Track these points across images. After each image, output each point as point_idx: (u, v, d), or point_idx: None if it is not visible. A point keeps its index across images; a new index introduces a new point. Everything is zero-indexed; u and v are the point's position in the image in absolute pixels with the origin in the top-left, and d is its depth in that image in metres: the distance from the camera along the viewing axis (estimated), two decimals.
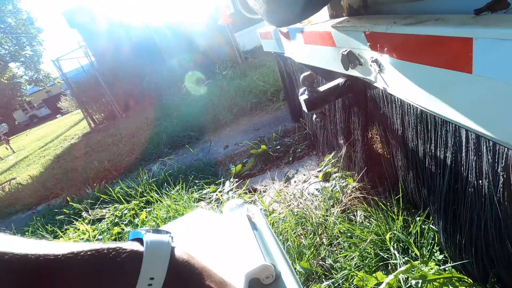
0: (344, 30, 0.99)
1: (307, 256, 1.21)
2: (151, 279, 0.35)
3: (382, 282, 0.92)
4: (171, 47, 8.34)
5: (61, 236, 2.10)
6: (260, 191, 1.95)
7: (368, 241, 1.09)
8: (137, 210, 2.09)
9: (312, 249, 1.24)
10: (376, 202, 1.25)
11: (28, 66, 26.87)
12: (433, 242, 0.97)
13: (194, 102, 4.36)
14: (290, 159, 2.24)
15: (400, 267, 0.96)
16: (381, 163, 1.28)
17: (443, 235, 0.85)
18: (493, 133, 0.55)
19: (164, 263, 0.37)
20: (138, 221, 1.92)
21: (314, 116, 1.37)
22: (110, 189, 2.50)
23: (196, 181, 2.26)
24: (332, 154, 1.77)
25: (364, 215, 1.31)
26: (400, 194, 1.11)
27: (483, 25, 0.51)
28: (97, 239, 1.89)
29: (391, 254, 1.04)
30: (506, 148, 0.57)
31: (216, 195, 1.95)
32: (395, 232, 1.06)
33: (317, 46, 1.29)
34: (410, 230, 1.07)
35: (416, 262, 0.90)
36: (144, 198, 2.19)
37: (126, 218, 2.05)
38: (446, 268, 0.84)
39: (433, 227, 0.96)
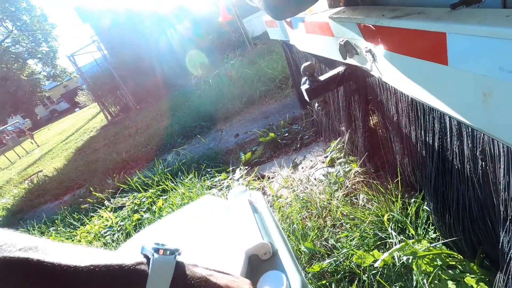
0: (340, 21, 1.02)
1: (311, 237, 1.29)
2: None
3: (378, 259, 0.99)
4: (180, 37, 8.38)
5: (87, 223, 2.28)
6: (269, 178, 2.03)
7: (367, 222, 1.16)
8: (154, 198, 2.23)
9: (316, 231, 1.32)
10: (377, 186, 1.30)
11: (45, 62, 27.68)
12: (427, 222, 1.02)
13: (204, 92, 4.44)
14: (298, 146, 2.30)
15: (396, 246, 1.03)
16: (382, 148, 1.32)
17: (435, 215, 0.91)
18: (469, 120, 0.60)
19: (167, 283, 0.43)
20: (155, 208, 2.06)
21: (316, 104, 1.42)
22: (129, 179, 2.65)
23: (208, 170, 2.37)
24: (338, 140, 1.82)
25: (366, 198, 1.37)
26: (399, 177, 1.16)
27: (455, 20, 0.54)
28: (119, 225, 2.05)
29: (389, 234, 1.11)
30: (482, 134, 0.61)
31: (227, 182, 2.05)
32: (393, 213, 1.11)
33: (318, 35, 1.32)
34: (408, 212, 1.12)
35: (411, 241, 0.97)
36: (160, 187, 2.33)
37: (144, 206, 2.20)
38: (438, 246, 0.89)
39: (427, 208, 1.01)
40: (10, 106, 24.43)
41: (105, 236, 2.01)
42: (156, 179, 2.45)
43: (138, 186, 2.44)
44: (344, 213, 1.33)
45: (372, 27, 0.82)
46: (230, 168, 2.25)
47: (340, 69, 1.29)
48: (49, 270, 0.36)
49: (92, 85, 9.53)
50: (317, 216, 1.41)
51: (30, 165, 7.79)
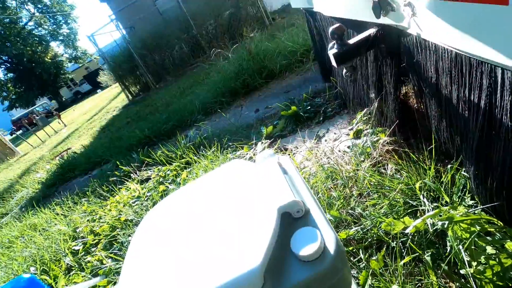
0: None
1: (337, 206, 1.28)
2: None
3: (409, 226, 0.97)
4: (198, 13, 8.22)
5: (116, 194, 2.39)
6: (291, 150, 2.01)
7: (397, 190, 1.12)
8: (178, 171, 2.29)
9: (342, 200, 1.30)
10: (408, 155, 1.25)
11: (67, 44, 28.29)
12: (464, 189, 0.98)
13: (224, 68, 4.38)
14: (321, 119, 2.24)
15: (429, 213, 0.99)
16: (414, 115, 1.25)
17: (474, 181, 0.86)
18: None
19: None
20: (180, 180, 2.12)
21: (344, 71, 1.35)
22: (153, 153, 2.73)
23: (230, 144, 2.38)
24: (364, 111, 1.75)
25: (395, 168, 1.32)
26: (433, 144, 1.10)
27: None
28: (146, 196, 2.13)
29: (420, 203, 1.07)
30: None
31: (249, 155, 2.05)
32: (425, 181, 1.07)
33: None
34: (441, 180, 1.08)
35: (445, 208, 0.93)
36: (183, 160, 2.38)
37: (169, 178, 2.26)
38: (476, 212, 0.86)
39: (465, 174, 0.96)
40: (37, 88, 25.50)
41: (134, 206, 2.10)
42: (179, 153, 2.50)
43: (163, 159, 2.51)
44: (372, 183, 1.30)
45: None
46: (252, 142, 2.25)
47: (372, 31, 1.21)
48: None
49: (113, 65, 9.68)
50: (342, 186, 1.39)
51: (59, 143, 8.21)
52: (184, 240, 0.71)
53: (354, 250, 1.11)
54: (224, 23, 7.75)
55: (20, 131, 20.27)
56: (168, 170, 2.37)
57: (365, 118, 1.75)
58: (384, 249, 1.04)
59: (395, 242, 1.03)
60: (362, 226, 1.13)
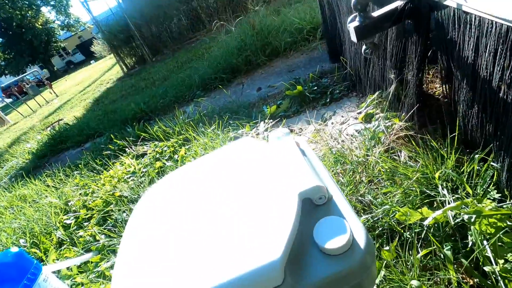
0: None
1: (345, 192, 1.22)
2: None
3: (426, 218, 0.91)
4: None
5: (110, 169, 2.30)
6: (296, 132, 1.92)
7: (414, 179, 1.06)
8: (176, 147, 2.20)
9: (351, 186, 1.24)
10: (425, 141, 1.18)
11: (59, 10, 26.97)
12: (489, 181, 0.91)
13: (225, 43, 4.18)
14: (328, 100, 2.14)
15: (447, 205, 0.93)
16: (435, 99, 1.17)
17: (507, 172, 0.79)
18: None
19: None
20: (178, 157, 2.03)
21: (364, 47, 1.24)
22: (149, 128, 2.61)
23: (231, 122, 2.28)
24: (376, 94, 1.65)
25: (409, 156, 1.25)
26: (457, 131, 1.02)
27: None
28: (142, 172, 2.04)
29: (438, 192, 1.01)
30: None
31: (251, 135, 1.96)
32: (445, 170, 1.00)
33: None
34: (462, 170, 1.01)
35: (468, 200, 0.87)
36: (181, 136, 2.28)
37: (166, 154, 2.17)
38: (506, 206, 0.79)
39: (494, 164, 0.89)
40: (27, 56, 24.52)
41: (129, 181, 2.02)
42: (177, 129, 2.39)
43: (160, 135, 2.40)
44: (383, 170, 1.23)
45: None
46: (255, 121, 2.15)
47: (399, 3, 1.09)
48: None
49: (107, 35, 9.26)
50: (352, 171, 1.32)
51: (51, 113, 7.97)
52: (191, 223, 0.63)
53: None
54: None
55: (10, 100, 19.69)
56: (166, 146, 2.27)
57: (377, 101, 1.66)
58: (397, 239, 0.98)
59: (408, 233, 0.98)
60: (373, 214, 1.08)
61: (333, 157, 1.40)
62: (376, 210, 1.08)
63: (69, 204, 2.07)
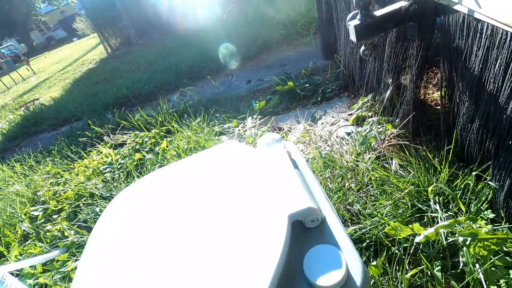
0: None
1: (334, 199, 1.17)
2: None
3: (417, 234, 0.87)
4: None
5: (85, 158, 2.16)
6: (285, 130, 1.85)
7: (406, 191, 1.01)
8: (157, 139, 2.08)
9: (340, 194, 1.19)
10: (418, 152, 1.14)
11: None
12: (483, 199, 0.88)
13: (216, 30, 4.01)
14: (319, 99, 2.08)
15: (440, 221, 0.89)
16: (432, 109, 1.12)
17: (506, 192, 0.75)
18: None
19: None
20: (159, 149, 1.91)
21: (363, 48, 1.17)
22: (130, 116, 2.47)
23: (217, 115, 2.18)
24: (370, 96, 1.60)
25: (400, 164, 1.21)
26: (452, 144, 0.98)
27: None
28: (120, 163, 1.92)
29: (429, 206, 0.97)
30: None
31: (239, 130, 1.87)
32: (438, 184, 0.96)
33: None
34: (455, 184, 0.97)
35: (461, 218, 0.83)
36: (164, 128, 2.16)
37: (147, 146, 2.05)
38: (503, 230, 0.76)
39: (490, 183, 0.85)
40: (3, 28, 22.98)
41: (105, 172, 1.89)
42: (160, 119, 2.26)
43: (141, 124, 2.27)
44: (374, 178, 1.19)
45: None
46: (242, 116, 2.06)
47: (404, 3, 1.03)
48: None
49: (91, 11, 8.75)
50: (340, 177, 1.26)
51: (26, 92, 7.51)
52: (161, 241, 0.54)
53: None
54: None
55: None
56: (147, 136, 2.14)
57: (369, 104, 1.61)
58: (384, 254, 0.94)
59: (396, 248, 0.94)
60: (361, 225, 1.03)
61: (322, 161, 1.34)
62: (365, 221, 1.04)
63: (38, 194, 1.92)
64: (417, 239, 0.84)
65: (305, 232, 0.53)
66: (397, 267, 0.91)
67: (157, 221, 0.59)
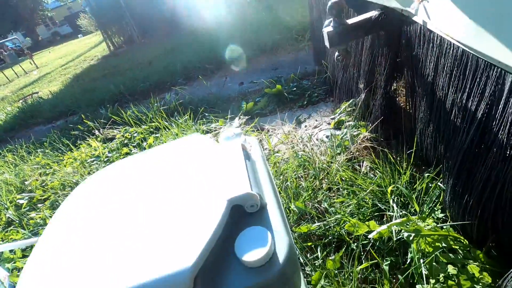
0: None
1: (303, 197, 1.21)
2: None
3: (373, 231, 0.91)
4: None
5: (74, 150, 2.20)
6: (268, 131, 1.90)
7: (368, 191, 1.06)
8: (146, 135, 2.13)
9: (310, 192, 1.23)
10: (386, 154, 1.18)
11: None
12: (436, 200, 0.92)
13: (213, 33, 4.09)
14: (305, 103, 2.13)
15: (395, 220, 0.94)
16: (400, 114, 1.17)
17: (449, 194, 0.80)
18: None
19: None
20: (146, 145, 1.96)
21: (336, 53, 1.23)
22: (123, 111, 2.52)
23: (206, 114, 2.23)
24: (350, 101, 1.65)
25: (369, 167, 1.26)
26: (414, 148, 1.03)
27: None
28: (107, 157, 1.97)
29: (389, 207, 1.01)
30: None
31: (224, 129, 1.92)
32: (398, 185, 1.01)
33: None
34: (414, 186, 1.02)
35: (414, 217, 0.87)
36: (153, 124, 2.21)
37: (135, 141, 2.10)
38: (445, 227, 0.80)
39: (440, 185, 0.90)
40: (10, 21, 23.18)
41: (91, 165, 1.94)
42: (150, 115, 2.32)
43: (131, 120, 2.32)
44: (343, 178, 1.23)
45: None
46: (230, 116, 2.11)
47: (374, 13, 1.08)
48: None
49: (96, 9, 8.86)
50: (313, 177, 1.31)
51: (27, 85, 7.59)
52: (113, 222, 0.59)
53: (312, 246, 1.05)
54: None
55: None
56: (135, 132, 2.19)
57: (349, 109, 1.66)
58: (344, 249, 0.98)
59: (355, 244, 0.98)
60: (325, 222, 1.07)
61: (298, 161, 1.39)
62: (330, 218, 1.08)
63: (26, 183, 1.97)
64: (371, 235, 0.88)
65: (245, 217, 0.58)
66: (353, 262, 0.95)
67: (111, 205, 0.64)
